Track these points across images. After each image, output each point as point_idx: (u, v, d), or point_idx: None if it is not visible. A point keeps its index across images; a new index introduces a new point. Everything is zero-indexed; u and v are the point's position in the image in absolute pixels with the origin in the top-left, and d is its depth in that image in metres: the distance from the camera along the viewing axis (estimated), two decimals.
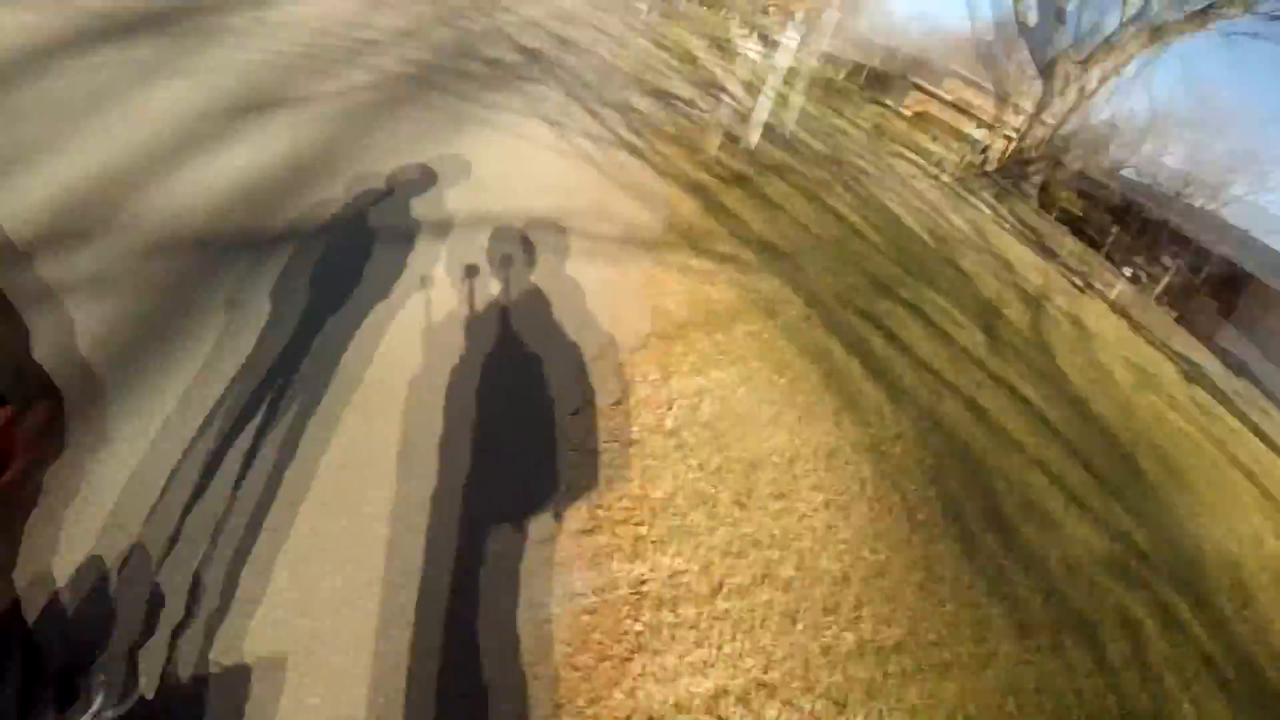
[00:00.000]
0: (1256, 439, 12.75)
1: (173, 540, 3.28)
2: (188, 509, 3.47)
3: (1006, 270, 13.90)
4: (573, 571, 3.98)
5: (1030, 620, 5.01)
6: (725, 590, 4.14)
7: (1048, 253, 18.85)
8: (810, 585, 4.40)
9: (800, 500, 5.06)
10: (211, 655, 2.91)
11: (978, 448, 6.80)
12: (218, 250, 5.48)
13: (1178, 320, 23.69)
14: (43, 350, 4.00)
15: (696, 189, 10.30)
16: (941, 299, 10.22)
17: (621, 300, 6.74)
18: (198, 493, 3.57)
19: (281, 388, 4.47)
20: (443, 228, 6.75)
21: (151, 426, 3.84)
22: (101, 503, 3.24)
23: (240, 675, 2.92)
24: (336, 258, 5.81)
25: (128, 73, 7.85)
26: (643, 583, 4.04)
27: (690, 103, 16.06)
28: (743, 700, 3.61)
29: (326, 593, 3.36)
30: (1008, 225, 19.34)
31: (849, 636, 4.17)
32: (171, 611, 2.99)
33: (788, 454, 5.47)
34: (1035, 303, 12.40)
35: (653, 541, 4.30)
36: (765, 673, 3.79)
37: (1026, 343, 10.31)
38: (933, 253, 12.64)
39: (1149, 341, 14.98)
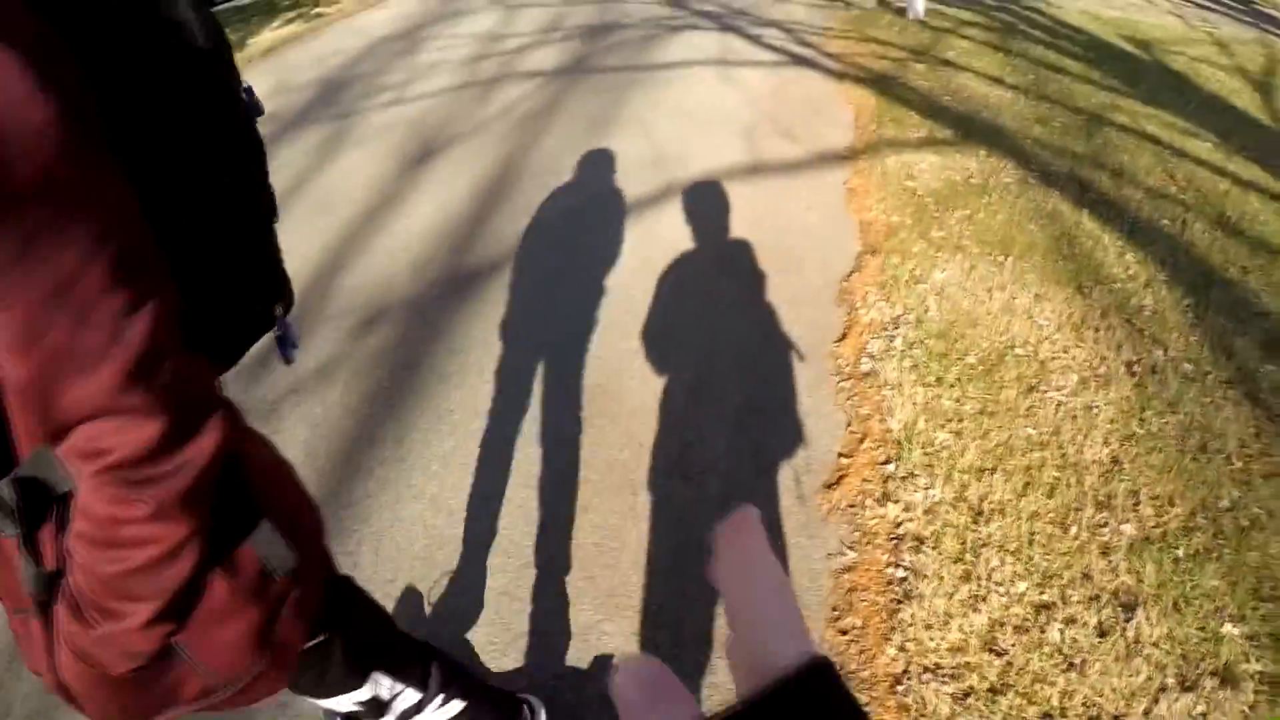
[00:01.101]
0: None
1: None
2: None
3: (1223, 54, 12.81)
4: (825, 530, 3.94)
5: None
6: (986, 512, 4.00)
7: (1261, 17, 17.27)
8: (1078, 482, 4.19)
9: (1052, 388, 4.82)
10: None
11: (1237, 267, 6.27)
12: (429, 303, 5.72)
13: None
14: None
15: (876, 80, 9.92)
16: (1163, 112, 9.48)
17: (825, 224, 6.60)
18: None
19: (528, 412, 4.64)
20: (633, 207, 6.83)
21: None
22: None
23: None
24: (540, 272, 5.97)
25: (301, 154, 8.25)
26: (898, 525, 3.96)
27: None
28: (1021, 629, 3.49)
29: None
30: (1208, 2, 17.79)
31: (1129, 529, 3.95)
32: None
33: (1030, 340, 5.22)
34: (1264, 84, 11.36)
35: (902, 478, 4.20)
36: (1042, 593, 3.64)
37: (1265, 132, 9.47)
38: (1140, 63, 11.74)
39: None
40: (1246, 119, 9.80)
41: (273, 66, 12.51)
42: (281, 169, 7.97)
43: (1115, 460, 4.35)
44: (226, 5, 25.74)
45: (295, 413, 4.78)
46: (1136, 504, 4.10)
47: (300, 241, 6.55)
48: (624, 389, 4.85)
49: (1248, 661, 3.39)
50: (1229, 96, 10.57)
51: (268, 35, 15.32)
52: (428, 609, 3.64)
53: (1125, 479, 4.23)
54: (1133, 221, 6.79)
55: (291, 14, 17.48)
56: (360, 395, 4.90)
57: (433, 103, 9.68)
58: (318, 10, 17.32)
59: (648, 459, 4.39)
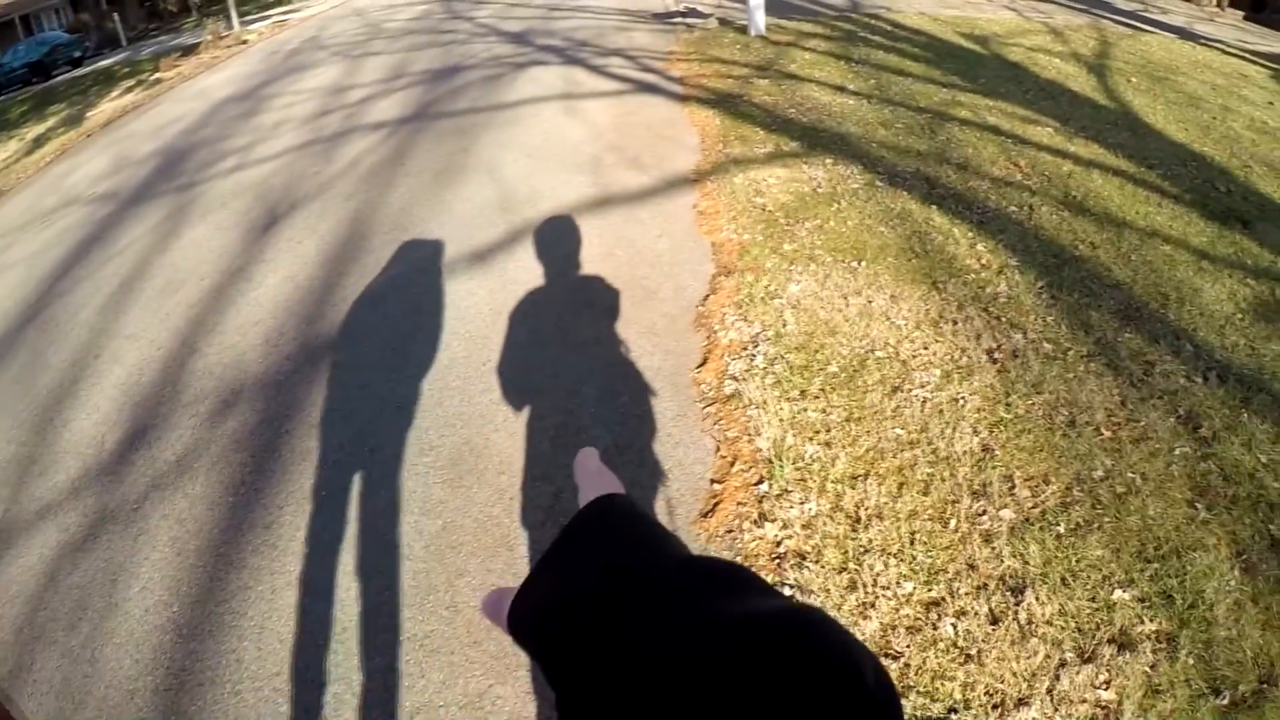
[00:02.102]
0: None
1: None
2: None
3: (1057, 41, 13.19)
4: None
5: (1197, 407, 4.63)
6: (864, 519, 3.92)
7: (1091, 3, 17.88)
8: (952, 475, 4.14)
9: (916, 386, 4.79)
10: None
11: (1086, 244, 6.38)
12: (284, 378, 5.50)
13: (1246, 18, 22.36)
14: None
15: (720, 100, 9.97)
16: (1003, 103, 9.70)
17: (677, 249, 6.53)
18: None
19: (395, 480, 4.46)
20: (485, 254, 6.72)
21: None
22: None
23: None
24: (394, 332, 5.84)
25: (145, 233, 8.01)
26: (778, 544, 3.85)
27: (689, 12, 15.63)
28: (913, 629, 3.41)
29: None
30: None
31: (1008, 514, 3.91)
32: None
33: (890, 341, 5.19)
34: (1097, 66, 11.71)
35: (777, 496, 4.10)
36: (929, 590, 3.56)
37: (1101, 112, 9.73)
38: (979, 58, 12.03)
39: (1224, 53, 14.08)
40: (1083, 101, 10.07)
41: (113, 139, 12.24)
42: (126, 250, 7.77)
43: (986, 448, 4.31)
44: (64, 77, 25.21)
45: (159, 511, 4.55)
46: (1012, 488, 4.06)
47: (149, 326, 6.36)
48: (489, 443, 4.69)
49: (1142, 623, 3.38)
50: (1065, 81, 10.86)
51: (106, 106, 15.02)
52: (321, 699, 3.45)
53: (998, 465, 4.19)
54: (982, 212, 6.87)
55: (131, 81, 17.18)
56: (223, 484, 4.68)
57: (277, 164, 9.49)
58: (157, 76, 17.04)
59: (520, 512, 4.23)
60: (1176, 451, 4.31)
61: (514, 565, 3.93)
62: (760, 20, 13.31)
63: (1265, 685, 3.16)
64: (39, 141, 13.91)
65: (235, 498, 4.56)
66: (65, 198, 10.21)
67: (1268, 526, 3.86)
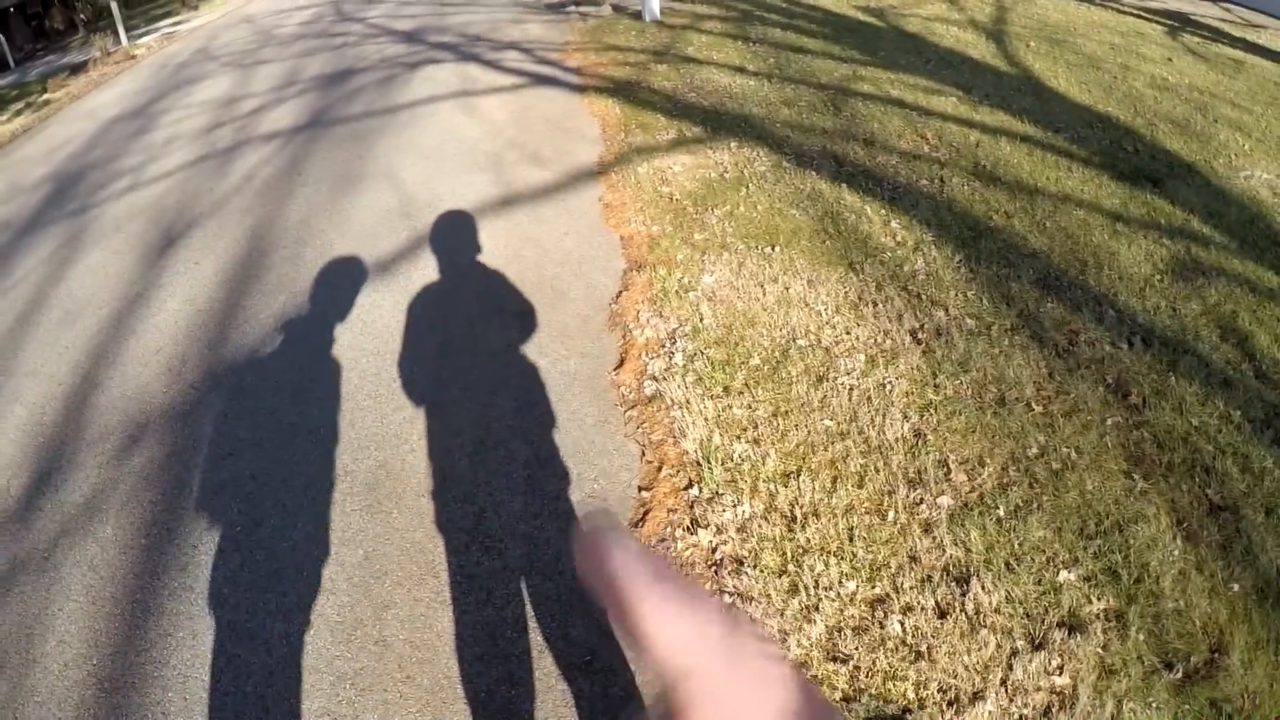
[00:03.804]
0: (1262, 58, 12.12)
1: None
2: None
3: (954, 9, 13.24)
4: None
5: (1125, 374, 4.59)
6: (800, 517, 3.80)
7: None
8: (885, 465, 4.03)
9: (842, 374, 4.67)
10: None
11: (1001, 214, 6.33)
12: (190, 408, 5.29)
13: None
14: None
15: (620, 88, 9.82)
16: (905, 75, 9.65)
17: (585, 246, 6.38)
18: None
19: (312, 511, 4.27)
20: (388, 263, 6.54)
21: None
22: None
23: None
24: (300, 352, 5.65)
25: (39, 262, 7.71)
26: (714, 551, 3.73)
27: (583, 0, 15.48)
28: (860, 630, 3.29)
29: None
30: None
31: (946, 501, 3.81)
32: None
33: (810, 329, 5.07)
34: (995, 32, 11.76)
35: (708, 500, 3.97)
36: (873, 587, 3.45)
37: (1003, 78, 9.75)
38: (876, 31, 12.03)
39: (1120, 12, 14.26)
40: (984, 68, 10.07)
41: (2, 166, 11.79)
42: (20, 283, 7.38)
43: (918, 433, 4.21)
44: None
45: (70, 558, 4.26)
46: (948, 473, 3.97)
47: (47, 361, 6.02)
48: (406, 464, 4.49)
49: (1090, 603, 3.31)
50: (965, 49, 10.87)
51: None
52: None
53: (932, 450, 4.09)
54: (893, 188, 6.79)
55: (19, 104, 16.67)
56: (135, 525, 4.40)
57: (170, 183, 9.14)
58: (45, 97, 16.57)
59: (443, 536, 4.04)
60: (1108, 422, 4.25)
61: (441, 593, 3.76)
62: (654, 5, 13.19)
63: (1216, 654, 3.13)
64: None
65: (148, 539, 4.30)
66: None
67: (1205, 491, 3.83)
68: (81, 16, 40.21)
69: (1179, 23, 13.82)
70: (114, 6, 22.71)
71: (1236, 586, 3.36)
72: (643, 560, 0.40)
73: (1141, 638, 3.17)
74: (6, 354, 6.27)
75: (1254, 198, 6.70)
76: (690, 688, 0.37)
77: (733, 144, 7.89)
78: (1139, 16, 13.89)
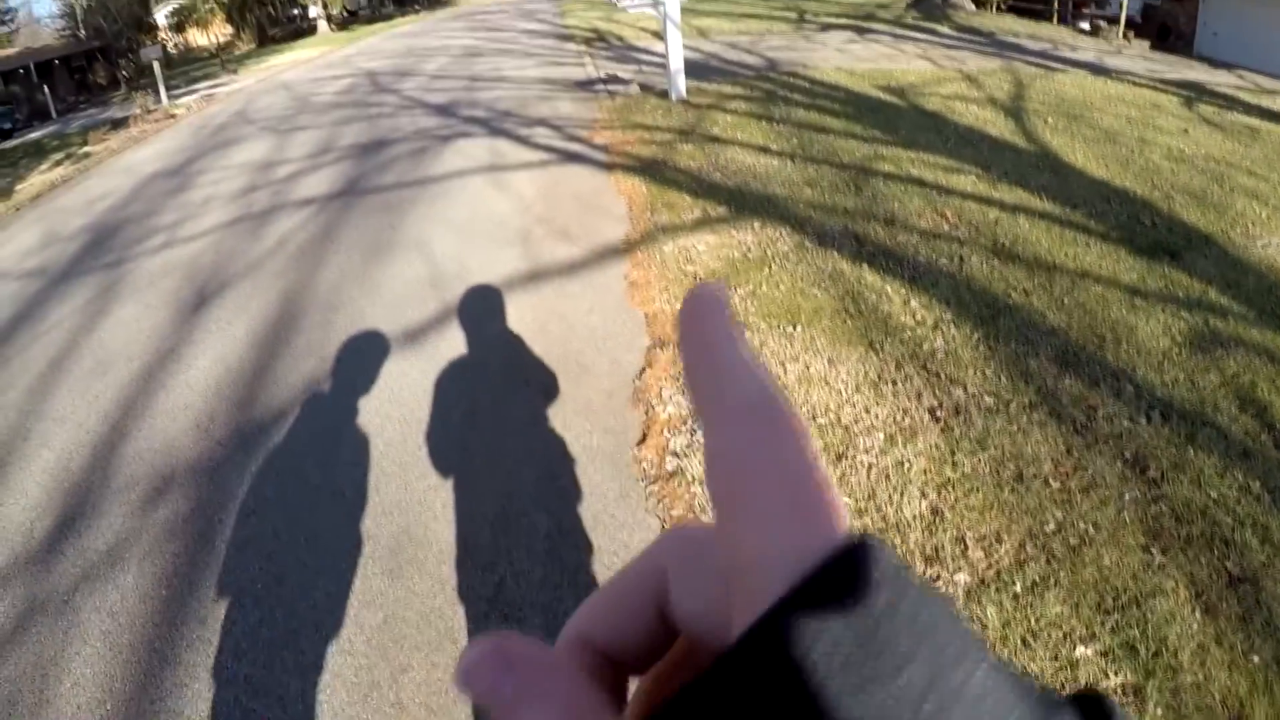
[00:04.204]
0: (1277, 124, 12.20)
1: None
2: None
3: (973, 87, 13.40)
4: None
5: (1143, 448, 4.62)
6: None
7: (1002, 47, 18.28)
8: (902, 541, 4.07)
9: (860, 451, 4.73)
10: None
11: (1019, 291, 6.41)
12: (217, 464, 5.38)
13: (1153, 47, 22.98)
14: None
15: (646, 167, 10.00)
16: (925, 153, 9.81)
17: (610, 323, 6.48)
18: None
19: (333, 571, 4.31)
20: (416, 333, 6.68)
21: None
22: None
23: None
24: (328, 416, 5.76)
25: (74, 311, 7.86)
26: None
27: (611, 79, 15.74)
28: None
29: None
30: (953, 41, 18.78)
31: (962, 578, 3.84)
32: None
33: (830, 407, 5.13)
34: (1014, 109, 11.91)
35: None
36: None
37: (1021, 155, 9.87)
38: (897, 110, 12.20)
39: (1136, 85, 14.39)
40: (1003, 145, 10.20)
41: (41, 214, 12.07)
42: (54, 329, 7.61)
43: (936, 511, 4.25)
44: None
45: (90, 603, 4.35)
46: (965, 550, 4.00)
47: (77, 409, 6.20)
48: (429, 532, 4.56)
49: (1107, 678, 3.32)
50: (984, 127, 11.00)
51: (36, 179, 14.87)
52: None
53: (949, 527, 4.13)
54: (913, 267, 6.88)
55: (60, 154, 17.08)
56: (157, 575, 4.49)
57: (206, 242, 9.37)
58: (86, 149, 16.95)
59: (463, 603, 4.10)
60: (1126, 496, 4.27)
61: (458, 659, 3.79)
62: (681, 85, 13.41)
63: None
64: None
65: (169, 590, 4.38)
66: None
67: (1224, 563, 3.83)
68: (124, 73, 41.11)
69: (1194, 92, 13.95)
70: (156, 66, 23.21)
71: (1257, 658, 3.36)
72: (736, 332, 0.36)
73: (1160, 712, 3.17)
74: (37, 398, 6.43)
75: (1271, 266, 6.78)
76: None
77: (756, 224, 8.01)
78: (1155, 89, 14.03)
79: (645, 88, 14.65)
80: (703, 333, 0.35)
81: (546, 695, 0.33)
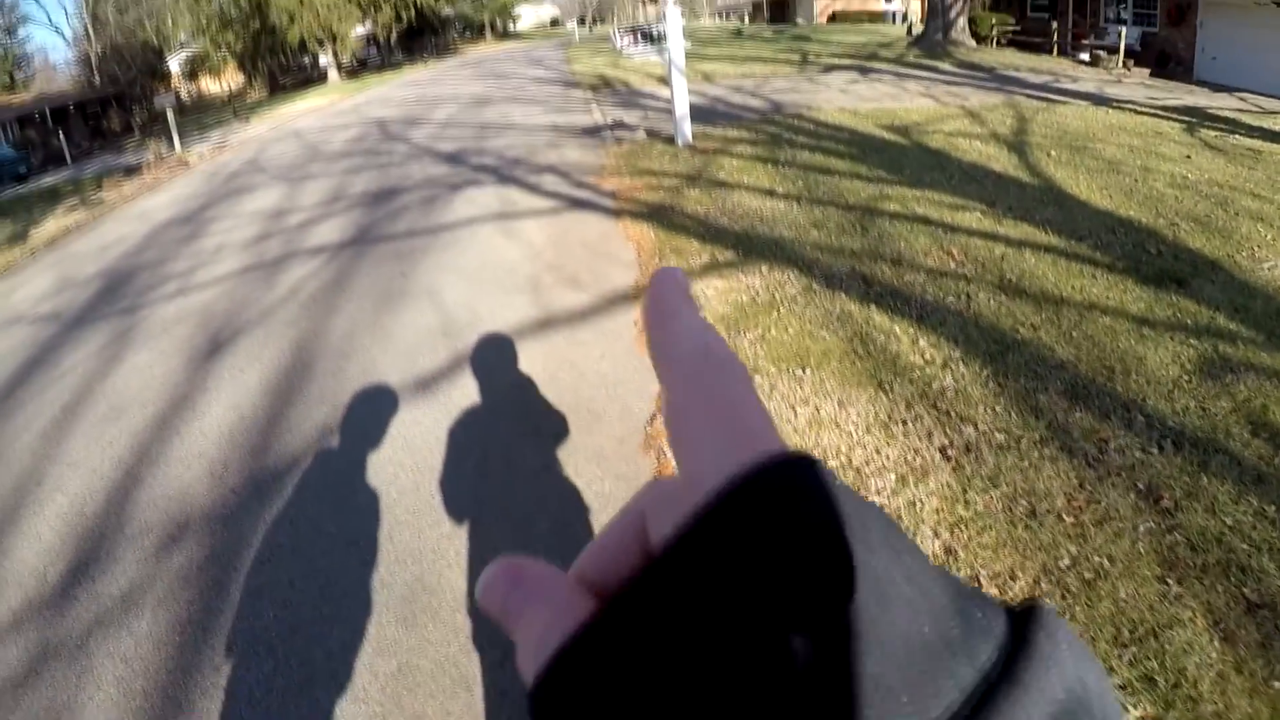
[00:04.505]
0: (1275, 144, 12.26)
1: None
2: None
3: (976, 124, 13.49)
4: None
5: (1156, 478, 4.62)
6: None
7: (1004, 81, 18.40)
8: None
9: (872, 493, 4.73)
10: None
11: (1027, 326, 6.44)
12: (231, 511, 5.41)
13: (1153, 74, 23.13)
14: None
15: (654, 212, 10.09)
16: (930, 191, 9.88)
17: (620, 370, 6.52)
18: None
19: (347, 619, 4.32)
20: (428, 381, 6.71)
21: None
22: None
23: None
24: (341, 465, 5.77)
25: (88, 357, 7.92)
26: None
27: (618, 125, 15.89)
28: None
29: None
30: (955, 78, 18.95)
31: None
32: None
33: (842, 449, 5.16)
34: (1017, 144, 11.99)
35: None
36: None
37: (1026, 189, 9.93)
38: (901, 149, 12.30)
39: (1137, 113, 14.48)
40: (1007, 180, 10.26)
41: (56, 259, 12.20)
42: (68, 374, 7.69)
43: (949, 550, 4.26)
44: (8, 193, 25.13)
45: (104, 649, 4.36)
46: (978, 588, 3.99)
47: (90, 454, 6.24)
48: (442, 580, 4.57)
49: (1127, 711, 3.30)
50: (988, 162, 11.08)
51: (50, 224, 15.02)
52: None
53: (963, 566, 4.14)
54: (920, 306, 6.93)
55: (74, 200, 17.26)
56: (170, 622, 4.50)
57: (219, 290, 9.48)
58: (99, 195, 17.13)
59: (477, 651, 4.10)
60: (1141, 528, 4.28)
61: (473, 707, 3.81)
62: (686, 130, 13.53)
63: None
64: None
65: (183, 637, 4.39)
66: (7, 316, 10.10)
67: (1241, 590, 3.83)
68: (138, 119, 41.59)
69: (1196, 118, 14.04)
70: (170, 114, 23.53)
71: (1278, 684, 3.36)
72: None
73: None
74: (51, 442, 6.48)
75: (1278, 288, 6.78)
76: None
77: (764, 267, 8.07)
78: (1156, 116, 14.10)
79: (651, 133, 14.79)
80: (662, 305, 0.40)
81: (547, 599, 0.37)
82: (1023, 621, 0.31)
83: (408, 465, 5.59)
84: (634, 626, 0.31)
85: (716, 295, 7.54)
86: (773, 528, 0.30)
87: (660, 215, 9.98)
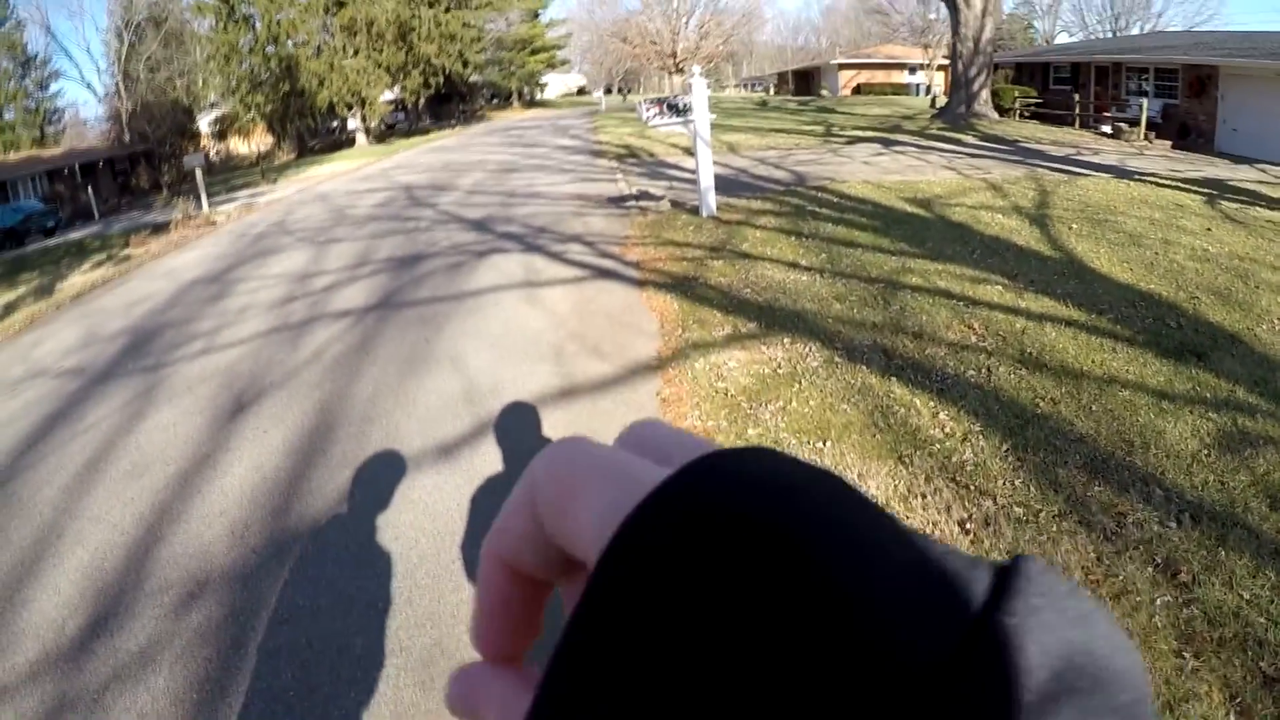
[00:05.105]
0: None
1: None
2: None
3: (998, 196, 13.60)
4: None
5: (1173, 553, 4.64)
6: None
7: (1026, 154, 18.53)
8: None
9: None
10: None
11: (1047, 400, 6.49)
12: (251, 571, 5.44)
13: (1174, 146, 23.23)
14: None
15: (677, 283, 10.20)
16: (951, 265, 9.96)
17: None
18: None
19: (367, 683, 4.35)
20: (450, 448, 6.75)
21: None
22: None
23: None
24: (362, 528, 5.78)
25: (112, 413, 8.00)
26: None
27: (643, 195, 16.06)
28: None
29: None
30: (978, 151, 19.10)
31: None
32: None
33: None
34: (1038, 217, 12.08)
35: None
36: None
37: (1047, 262, 10.01)
38: (924, 221, 12.41)
39: (1158, 185, 14.56)
40: (1028, 254, 10.33)
41: (82, 313, 12.34)
42: (92, 429, 7.77)
43: None
44: (36, 247, 25.41)
45: (120, 703, 4.38)
46: None
47: (112, 509, 6.29)
48: (462, 645, 4.58)
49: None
50: (1009, 236, 11.16)
51: (77, 279, 15.17)
52: None
53: None
54: (941, 379, 7.00)
55: (101, 255, 17.44)
56: (188, 680, 4.52)
57: (243, 350, 9.61)
58: (126, 252, 17.31)
59: None
60: (1158, 602, 4.29)
61: None
62: (711, 201, 13.68)
63: None
64: (9, 309, 13.82)
65: (200, 694, 4.41)
66: (33, 369, 10.24)
67: (1258, 664, 3.84)
68: (166, 178, 42.04)
69: (1216, 190, 14.11)
70: (198, 172, 23.84)
71: None
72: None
73: None
74: (73, 496, 6.54)
75: None
76: None
77: (786, 339, 8.15)
78: (1177, 188, 14.17)
79: (676, 204, 14.94)
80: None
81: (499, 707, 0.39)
82: (1008, 577, 0.28)
83: (428, 530, 5.64)
84: (574, 692, 0.29)
85: (739, 367, 7.62)
86: (702, 520, 0.28)
87: (684, 286, 10.09)
